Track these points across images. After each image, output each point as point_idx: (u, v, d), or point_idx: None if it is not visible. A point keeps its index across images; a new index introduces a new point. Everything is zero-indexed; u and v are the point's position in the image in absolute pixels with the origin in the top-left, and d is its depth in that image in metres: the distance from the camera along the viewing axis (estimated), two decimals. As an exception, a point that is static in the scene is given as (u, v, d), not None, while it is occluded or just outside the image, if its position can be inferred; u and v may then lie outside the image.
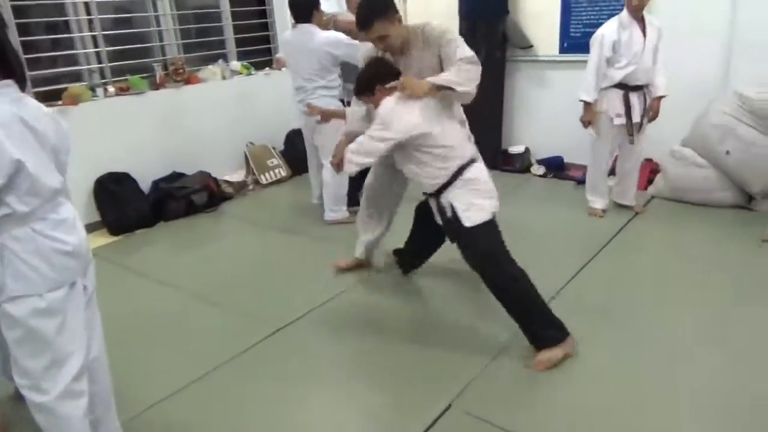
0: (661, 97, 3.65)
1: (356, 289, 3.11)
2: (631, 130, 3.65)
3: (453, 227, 2.42)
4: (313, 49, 3.68)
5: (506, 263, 2.36)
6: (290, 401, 2.26)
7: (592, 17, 4.46)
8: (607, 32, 3.55)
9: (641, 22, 3.51)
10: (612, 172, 3.97)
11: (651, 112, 3.68)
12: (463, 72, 2.38)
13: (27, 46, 3.81)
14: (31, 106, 1.59)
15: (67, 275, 1.66)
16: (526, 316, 2.37)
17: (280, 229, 4.00)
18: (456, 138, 2.45)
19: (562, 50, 4.63)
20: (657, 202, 4.03)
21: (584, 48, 4.43)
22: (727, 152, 3.76)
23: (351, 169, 2.49)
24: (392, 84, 2.40)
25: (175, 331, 2.80)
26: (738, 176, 3.79)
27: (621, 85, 3.59)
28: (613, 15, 4.35)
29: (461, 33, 4.87)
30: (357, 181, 4.12)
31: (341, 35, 3.76)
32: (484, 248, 2.38)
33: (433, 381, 2.32)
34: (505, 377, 2.32)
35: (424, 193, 2.58)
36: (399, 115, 2.35)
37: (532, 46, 4.72)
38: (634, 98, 3.61)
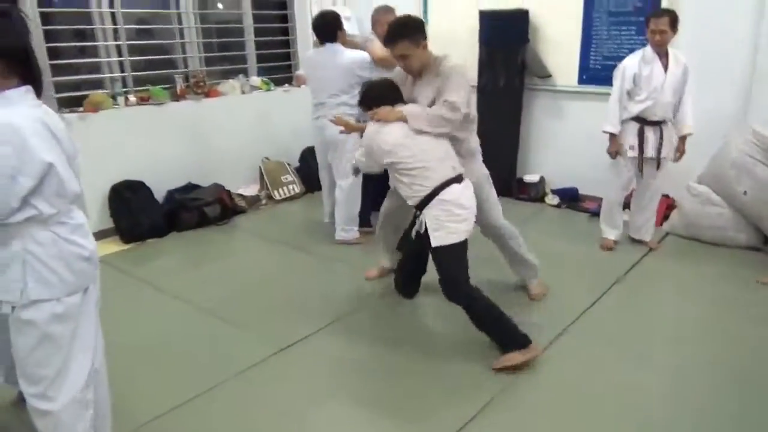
0: (686, 136, 3.61)
1: (363, 310, 3.09)
2: (642, 164, 3.64)
3: (424, 242, 2.56)
4: (339, 67, 3.74)
5: (464, 285, 2.52)
6: (293, 419, 2.25)
7: (612, 50, 4.47)
8: (629, 65, 3.57)
9: (665, 57, 3.51)
10: (628, 205, 3.95)
11: (677, 152, 3.64)
12: (436, 117, 2.56)
13: (52, 52, 3.88)
14: (50, 113, 1.62)
15: (84, 280, 1.67)
16: (491, 329, 2.56)
17: (291, 246, 4.00)
18: (433, 159, 2.54)
19: (581, 81, 4.64)
20: (671, 239, 3.99)
21: (603, 80, 4.47)
22: (745, 192, 3.72)
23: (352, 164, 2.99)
24: (373, 111, 2.66)
25: (180, 344, 2.80)
26: (754, 217, 3.75)
27: (638, 119, 3.59)
28: (633, 49, 4.35)
29: (481, 60, 4.94)
30: (369, 203, 4.15)
31: (367, 55, 3.81)
32: (445, 271, 2.53)
33: (444, 403, 2.31)
34: (525, 398, 2.30)
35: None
36: (377, 143, 2.60)
37: (550, 75, 4.73)
38: (650, 133, 3.60)
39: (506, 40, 4.77)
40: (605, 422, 2.21)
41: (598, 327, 2.90)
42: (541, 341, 2.68)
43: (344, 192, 3.91)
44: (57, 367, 1.64)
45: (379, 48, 3.68)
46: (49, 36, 3.86)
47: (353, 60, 3.73)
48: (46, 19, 3.84)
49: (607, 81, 4.44)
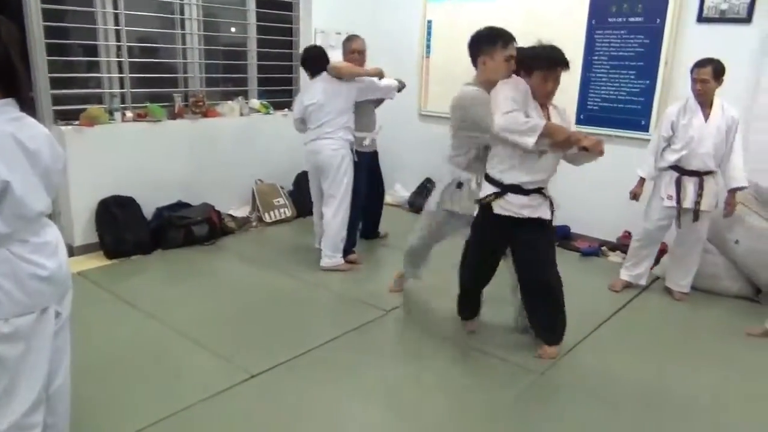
0: (736, 189, 3.48)
1: (339, 340, 3.02)
2: (679, 214, 3.55)
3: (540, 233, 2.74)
4: (342, 91, 3.83)
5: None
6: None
7: (611, 92, 4.48)
8: (670, 112, 3.54)
9: (708, 108, 3.43)
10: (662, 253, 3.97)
11: (727, 205, 3.53)
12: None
13: (54, 65, 3.91)
14: (28, 125, 1.58)
15: (40, 301, 1.61)
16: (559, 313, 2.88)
17: (275, 270, 3.95)
18: None
19: (578, 122, 4.63)
20: (661, 283, 3.92)
21: (601, 121, 4.48)
22: (736, 241, 3.67)
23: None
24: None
25: (149, 364, 2.73)
26: (746, 267, 3.69)
27: (676, 168, 3.52)
28: (631, 92, 4.39)
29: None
30: (355, 232, 4.13)
31: (368, 79, 3.93)
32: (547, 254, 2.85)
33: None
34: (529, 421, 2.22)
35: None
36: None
37: (548, 113, 4.73)
38: (689, 183, 3.49)
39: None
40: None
41: (577, 368, 2.83)
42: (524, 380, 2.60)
43: (329, 220, 3.90)
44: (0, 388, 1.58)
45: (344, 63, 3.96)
46: (52, 49, 3.90)
47: (352, 85, 3.85)
48: (51, 32, 3.88)
49: (605, 122, 4.48)
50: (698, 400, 2.62)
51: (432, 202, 3.10)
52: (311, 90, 3.93)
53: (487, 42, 2.71)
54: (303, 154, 4.04)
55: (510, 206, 2.63)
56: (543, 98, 2.62)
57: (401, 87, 4.19)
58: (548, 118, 2.62)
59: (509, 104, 2.50)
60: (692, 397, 2.64)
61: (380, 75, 4.00)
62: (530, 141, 2.45)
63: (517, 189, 2.63)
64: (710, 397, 2.66)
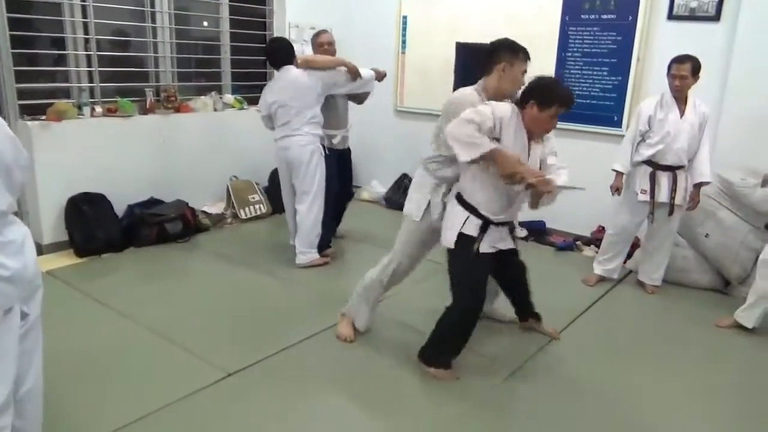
0: (701, 184, 3.56)
1: (316, 336, 3.00)
2: (653, 208, 3.61)
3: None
4: (306, 86, 3.73)
5: None
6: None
7: (584, 88, 4.53)
8: (646, 107, 3.56)
9: (683, 104, 3.49)
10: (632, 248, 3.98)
11: (691, 200, 3.59)
12: None
13: (19, 58, 3.79)
14: None
15: (2, 301, 1.56)
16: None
17: (250, 267, 3.91)
18: None
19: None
20: (634, 276, 3.99)
21: (574, 117, 4.52)
22: (707, 235, 3.75)
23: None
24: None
25: (122, 365, 2.67)
26: (715, 260, 3.78)
27: (650, 163, 3.57)
28: (605, 88, 4.44)
29: (455, 90, 4.96)
30: (331, 228, 4.10)
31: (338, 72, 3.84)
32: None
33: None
34: (500, 407, 2.22)
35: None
36: None
37: (523, 110, 4.76)
38: (663, 178, 3.55)
39: (481, 74, 4.79)
40: None
41: (554, 363, 2.86)
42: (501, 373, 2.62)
43: (302, 216, 3.86)
44: None
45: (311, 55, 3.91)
46: (18, 41, 3.77)
47: (316, 76, 3.74)
48: (16, 23, 3.75)
49: (578, 119, 4.53)
50: (671, 390, 2.68)
51: (413, 213, 2.75)
52: (275, 86, 3.83)
53: (510, 51, 2.61)
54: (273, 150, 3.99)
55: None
56: (540, 133, 2.48)
57: (382, 76, 4.08)
58: (529, 151, 2.47)
59: (472, 115, 2.32)
60: (665, 388, 2.69)
61: (354, 72, 3.87)
62: (465, 156, 2.31)
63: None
64: (682, 387, 2.72)
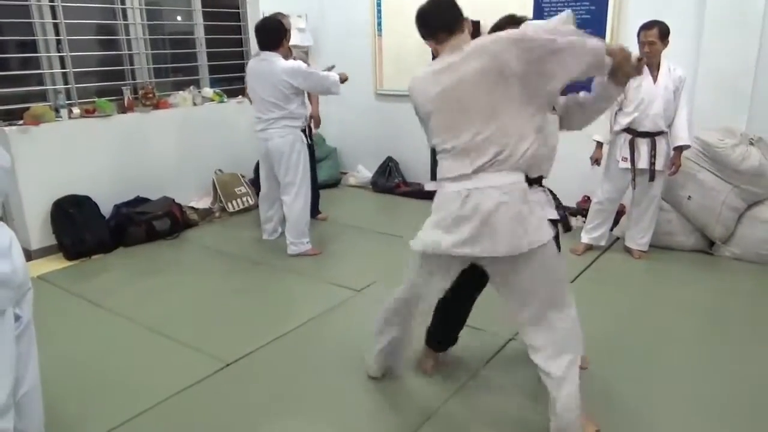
0: (681, 148, 3.58)
1: (310, 324, 3.03)
2: (634, 175, 3.66)
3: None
4: (274, 78, 3.65)
5: None
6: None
7: (561, 60, 4.54)
8: None
9: (656, 69, 3.52)
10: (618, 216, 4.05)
11: (672, 164, 3.63)
12: None
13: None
14: None
15: None
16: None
17: (241, 259, 3.92)
18: None
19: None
20: (621, 243, 4.06)
21: (553, 89, 4.54)
22: (689, 197, 3.81)
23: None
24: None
25: (119, 362, 2.69)
26: (699, 221, 3.85)
27: (629, 131, 3.61)
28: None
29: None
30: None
31: (300, 63, 3.76)
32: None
33: (394, 410, 2.26)
34: (468, 412, 2.27)
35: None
36: None
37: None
38: (642, 145, 3.60)
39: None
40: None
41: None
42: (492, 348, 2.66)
43: (289, 207, 3.86)
44: None
45: None
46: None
47: (285, 68, 3.65)
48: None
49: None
50: (669, 353, 2.74)
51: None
52: (255, 71, 3.73)
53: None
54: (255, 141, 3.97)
55: None
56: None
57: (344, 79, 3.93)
58: None
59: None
60: (661, 350, 2.75)
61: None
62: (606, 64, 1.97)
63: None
64: (679, 349, 2.78)
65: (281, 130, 3.72)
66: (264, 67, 3.68)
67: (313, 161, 4.32)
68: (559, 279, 2.05)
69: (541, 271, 1.96)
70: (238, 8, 5.33)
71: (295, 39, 4.36)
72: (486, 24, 2.42)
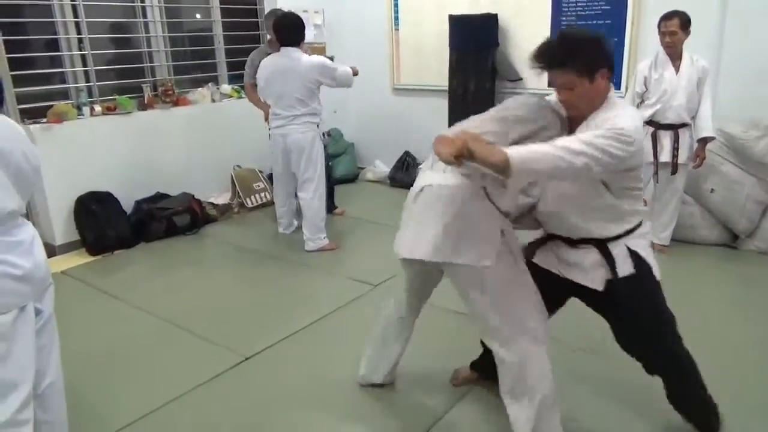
0: (705, 140, 3.51)
1: (329, 318, 3.04)
2: (656, 168, 3.60)
3: (633, 284, 1.87)
4: (300, 74, 3.66)
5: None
6: (257, 429, 2.21)
7: (581, 52, 4.48)
8: (641, 68, 3.56)
9: (678, 60, 3.46)
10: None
11: (696, 156, 3.56)
12: None
13: (15, 62, 3.80)
14: (0, 123, 1.56)
15: (16, 300, 1.59)
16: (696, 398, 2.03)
17: (260, 254, 3.95)
18: None
19: (551, 84, 4.63)
20: (642, 238, 4.00)
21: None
22: (712, 190, 3.75)
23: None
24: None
25: (141, 355, 2.74)
26: (722, 215, 3.78)
27: (651, 123, 3.55)
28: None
29: (451, 64, 4.94)
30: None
31: (326, 59, 3.78)
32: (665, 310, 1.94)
33: (411, 408, 2.27)
34: (472, 418, 2.26)
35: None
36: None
37: (521, 78, 4.74)
38: (665, 137, 3.54)
39: (476, 45, 4.77)
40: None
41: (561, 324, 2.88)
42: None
43: (307, 203, 3.87)
44: None
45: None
46: (11, 46, 3.79)
47: (313, 64, 3.65)
48: (9, 28, 3.77)
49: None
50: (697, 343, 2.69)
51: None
52: (277, 67, 3.70)
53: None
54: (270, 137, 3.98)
55: None
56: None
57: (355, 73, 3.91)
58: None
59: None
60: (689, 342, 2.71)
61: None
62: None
63: None
64: (706, 342, 2.74)
65: (301, 126, 3.73)
66: (286, 63, 3.67)
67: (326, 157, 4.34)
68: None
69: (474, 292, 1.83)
70: (256, 5, 5.36)
71: (309, 35, 4.36)
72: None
